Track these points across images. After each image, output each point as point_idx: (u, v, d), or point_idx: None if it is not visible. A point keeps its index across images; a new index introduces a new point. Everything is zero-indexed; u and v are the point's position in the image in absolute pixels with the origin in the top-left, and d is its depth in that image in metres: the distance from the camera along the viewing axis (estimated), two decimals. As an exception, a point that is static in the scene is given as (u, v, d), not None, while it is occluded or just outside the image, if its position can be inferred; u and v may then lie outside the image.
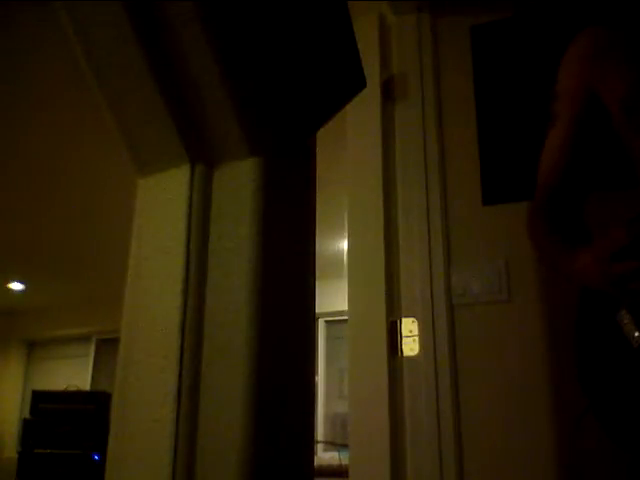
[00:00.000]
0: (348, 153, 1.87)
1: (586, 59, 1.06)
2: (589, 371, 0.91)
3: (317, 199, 0.71)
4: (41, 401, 5.33)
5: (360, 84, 0.73)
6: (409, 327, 1.65)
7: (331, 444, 5.12)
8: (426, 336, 1.62)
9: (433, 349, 1.60)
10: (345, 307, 1.73)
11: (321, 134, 0.73)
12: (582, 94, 1.06)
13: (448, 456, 1.52)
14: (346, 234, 1.83)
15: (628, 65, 1.00)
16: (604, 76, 1.03)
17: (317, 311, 0.66)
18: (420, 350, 1.62)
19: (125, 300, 0.58)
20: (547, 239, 1.05)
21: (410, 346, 1.63)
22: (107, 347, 6.71)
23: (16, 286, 6.15)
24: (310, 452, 0.62)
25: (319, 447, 5.21)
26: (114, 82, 0.57)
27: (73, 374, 6.65)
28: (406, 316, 1.66)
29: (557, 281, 1.56)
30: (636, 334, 0.80)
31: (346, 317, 1.74)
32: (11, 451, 6.24)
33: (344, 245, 4.56)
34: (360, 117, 1.85)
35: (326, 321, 5.86)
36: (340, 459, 4.28)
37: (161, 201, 0.60)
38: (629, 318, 0.81)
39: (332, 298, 4.34)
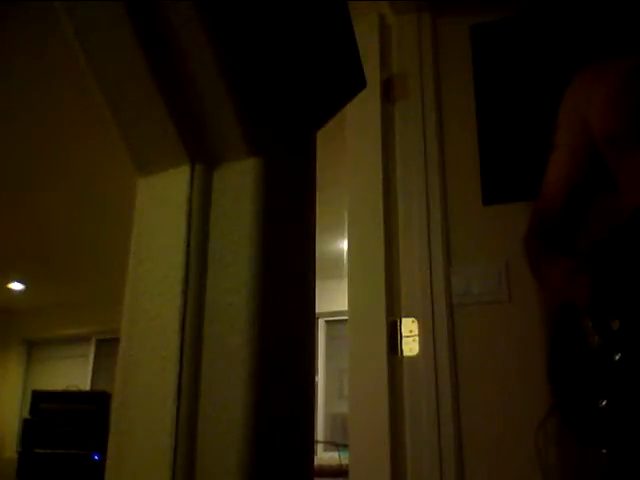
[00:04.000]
0: (348, 153, 1.87)
1: (580, 92, 1.15)
2: (558, 372, 1.07)
3: (317, 199, 0.71)
4: (41, 401, 5.33)
5: (360, 84, 0.73)
6: (409, 327, 1.65)
7: (331, 444, 5.12)
8: (426, 336, 1.62)
9: (433, 349, 1.60)
10: (345, 307, 1.73)
11: (321, 134, 0.73)
12: (578, 126, 1.15)
13: (448, 456, 1.52)
14: (346, 234, 1.83)
15: (617, 98, 1.07)
16: (591, 108, 1.10)
17: (317, 311, 0.66)
18: (420, 350, 1.62)
19: (125, 300, 0.58)
20: (537, 256, 1.19)
21: (410, 346, 1.63)
22: (107, 347, 6.71)
23: (16, 286, 6.14)
24: (310, 452, 0.62)
25: (319, 447, 5.21)
26: (114, 82, 0.57)
27: (73, 374, 6.65)
28: (406, 316, 1.66)
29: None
30: (595, 338, 0.95)
31: (346, 317, 1.74)
32: (11, 451, 6.24)
33: (344, 245, 4.56)
34: (360, 117, 1.84)
35: (326, 321, 5.86)
36: (340, 459, 4.28)
37: (161, 201, 0.60)
38: (590, 325, 0.98)
39: (332, 298, 4.34)
